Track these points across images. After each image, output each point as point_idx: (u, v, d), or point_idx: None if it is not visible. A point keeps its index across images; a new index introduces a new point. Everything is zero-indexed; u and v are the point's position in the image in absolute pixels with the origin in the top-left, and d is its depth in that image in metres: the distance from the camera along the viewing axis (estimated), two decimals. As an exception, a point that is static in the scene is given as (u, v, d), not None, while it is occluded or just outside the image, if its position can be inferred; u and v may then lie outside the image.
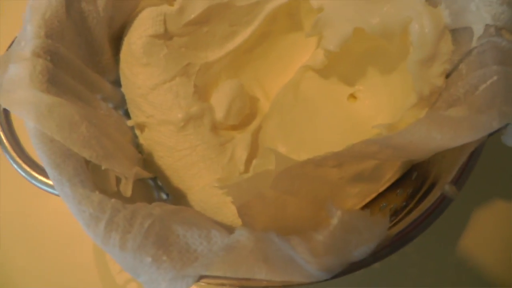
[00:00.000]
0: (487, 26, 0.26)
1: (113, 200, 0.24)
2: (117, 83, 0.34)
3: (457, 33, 0.28)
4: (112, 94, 0.33)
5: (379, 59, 0.34)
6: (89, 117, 0.27)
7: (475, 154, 0.26)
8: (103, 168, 0.26)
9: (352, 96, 0.36)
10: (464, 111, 0.24)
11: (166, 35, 0.32)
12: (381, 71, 0.34)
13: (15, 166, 0.30)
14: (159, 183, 0.34)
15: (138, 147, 0.34)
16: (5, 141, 0.29)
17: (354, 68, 0.35)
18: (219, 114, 0.32)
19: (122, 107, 0.34)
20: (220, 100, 0.33)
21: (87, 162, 0.26)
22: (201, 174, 0.32)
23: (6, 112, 0.30)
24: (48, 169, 0.25)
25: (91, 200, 0.23)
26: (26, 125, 0.26)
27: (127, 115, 0.34)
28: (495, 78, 0.24)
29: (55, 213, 0.42)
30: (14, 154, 0.29)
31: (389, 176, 0.31)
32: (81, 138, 0.26)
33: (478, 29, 0.26)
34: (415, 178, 0.30)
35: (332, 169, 0.28)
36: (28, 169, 0.29)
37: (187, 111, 0.31)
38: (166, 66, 0.32)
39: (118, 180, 0.28)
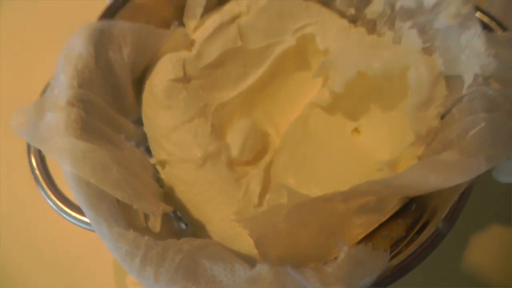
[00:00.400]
0: (476, 75, 0.29)
1: (146, 237, 0.27)
2: (138, 122, 0.37)
3: (451, 79, 0.31)
4: (134, 133, 0.36)
5: (380, 98, 0.37)
6: (118, 160, 0.30)
7: (466, 193, 0.28)
8: (134, 207, 0.29)
9: (356, 130, 0.39)
10: (456, 155, 0.27)
11: (185, 79, 0.35)
12: (382, 108, 0.37)
13: (50, 203, 0.33)
14: (178, 213, 0.37)
15: (159, 181, 0.37)
16: (41, 180, 0.32)
17: (358, 104, 0.38)
18: (234, 151, 0.35)
19: (143, 143, 0.37)
20: (235, 139, 0.36)
21: (118, 201, 0.29)
22: (219, 207, 0.34)
23: (41, 154, 0.33)
24: (85, 210, 0.28)
25: (126, 238, 0.26)
26: (63, 169, 0.29)
27: (148, 151, 0.37)
28: (483, 124, 0.27)
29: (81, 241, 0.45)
30: (49, 193, 0.32)
31: (390, 207, 0.33)
32: (113, 180, 0.29)
33: (468, 78, 0.29)
34: (414, 209, 0.33)
35: (339, 203, 0.31)
36: (62, 205, 0.32)
37: (205, 150, 0.34)
38: (186, 108, 0.35)
39: (146, 216, 0.31)
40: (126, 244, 0.26)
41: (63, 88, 0.31)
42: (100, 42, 0.31)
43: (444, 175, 0.26)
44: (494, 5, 0.48)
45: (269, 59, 0.38)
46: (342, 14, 0.38)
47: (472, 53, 0.29)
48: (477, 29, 0.29)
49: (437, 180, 0.26)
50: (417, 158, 0.33)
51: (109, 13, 0.35)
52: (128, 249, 0.26)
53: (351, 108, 0.39)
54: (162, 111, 0.35)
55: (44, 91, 0.35)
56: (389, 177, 0.28)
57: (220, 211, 0.35)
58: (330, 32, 0.37)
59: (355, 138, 0.39)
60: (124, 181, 0.30)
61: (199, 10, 0.36)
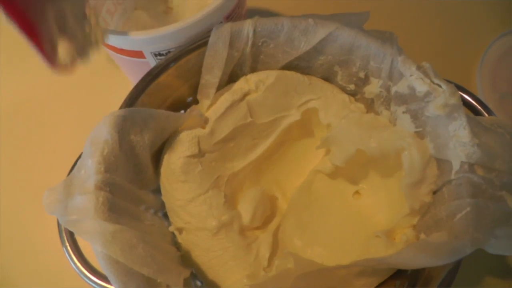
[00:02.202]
0: (462, 162, 0.32)
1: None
2: (157, 191, 0.40)
3: (441, 162, 0.34)
4: (153, 203, 0.39)
5: (379, 166, 0.40)
6: (142, 237, 0.34)
7: (453, 271, 0.32)
8: (158, 281, 0.33)
9: (357, 193, 0.43)
10: (444, 236, 0.31)
11: (199, 154, 0.39)
12: (381, 175, 0.41)
13: (83, 277, 0.36)
14: (194, 271, 0.41)
15: (176, 244, 0.40)
16: (73, 256, 0.36)
17: (358, 170, 0.42)
18: (246, 219, 0.39)
19: (161, 210, 0.41)
20: (246, 208, 0.39)
21: (144, 275, 0.33)
22: (232, 270, 0.38)
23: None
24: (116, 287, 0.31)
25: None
26: (93, 249, 0.33)
27: (166, 216, 0.41)
28: (468, 209, 0.31)
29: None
30: (81, 268, 0.36)
31: (388, 270, 0.37)
32: (139, 258, 0.32)
33: (455, 164, 0.33)
34: (410, 273, 0.36)
35: (341, 269, 0.35)
36: (92, 277, 0.36)
37: (219, 220, 0.38)
38: (201, 181, 0.38)
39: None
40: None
41: (91, 172, 0.34)
42: (123, 128, 0.35)
43: (433, 256, 0.30)
44: (485, 67, 0.51)
45: (276, 131, 0.42)
46: (343, 89, 0.42)
47: (458, 142, 0.32)
48: (462, 120, 0.32)
49: (426, 260, 0.30)
50: (412, 227, 0.37)
51: (137, 91, 0.39)
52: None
53: (352, 174, 0.42)
54: (179, 185, 0.38)
55: (71, 169, 0.38)
56: (384, 256, 0.31)
57: (234, 273, 0.38)
58: (332, 107, 0.41)
59: (356, 201, 0.42)
60: (150, 257, 0.33)
61: (212, 91, 0.39)
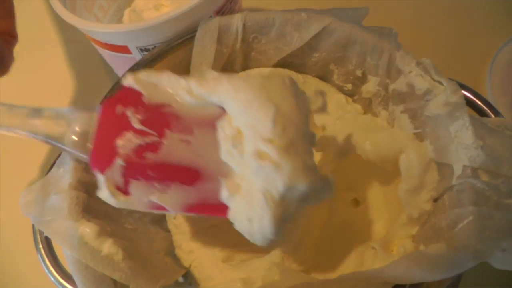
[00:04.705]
0: (464, 167, 0.29)
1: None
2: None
3: (442, 166, 0.31)
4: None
5: (378, 173, 0.38)
6: (118, 242, 0.32)
7: (452, 286, 0.29)
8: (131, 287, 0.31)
9: (355, 200, 0.40)
10: (443, 248, 0.28)
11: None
12: (380, 182, 0.38)
13: (56, 283, 0.34)
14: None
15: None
16: (47, 260, 0.34)
17: (357, 176, 0.39)
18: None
19: (149, 215, 0.39)
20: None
21: (116, 282, 0.31)
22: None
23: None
24: (82, 293, 0.29)
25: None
26: (64, 252, 0.31)
27: (154, 222, 0.39)
28: (470, 218, 0.28)
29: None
30: (54, 273, 0.34)
31: (384, 285, 0.34)
32: (111, 263, 0.30)
33: (457, 169, 0.30)
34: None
35: (332, 284, 0.32)
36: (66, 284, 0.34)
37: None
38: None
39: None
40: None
41: (68, 170, 0.33)
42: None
43: (430, 269, 0.27)
44: (495, 70, 0.48)
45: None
46: (340, 88, 0.39)
47: (461, 144, 0.30)
48: (465, 120, 0.29)
49: (423, 274, 0.27)
50: (411, 237, 0.34)
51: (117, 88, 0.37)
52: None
53: (350, 180, 0.39)
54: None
55: (50, 168, 0.36)
56: (375, 269, 0.28)
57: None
58: (328, 107, 0.38)
59: (354, 209, 0.40)
60: (123, 262, 0.31)
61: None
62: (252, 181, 0.27)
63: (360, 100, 0.39)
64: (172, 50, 0.38)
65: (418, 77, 0.32)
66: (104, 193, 0.28)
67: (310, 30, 0.36)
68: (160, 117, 0.29)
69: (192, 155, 0.29)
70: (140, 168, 0.29)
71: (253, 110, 0.27)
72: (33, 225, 0.35)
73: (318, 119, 0.38)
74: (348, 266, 0.36)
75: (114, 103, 0.30)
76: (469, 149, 0.29)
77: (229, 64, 0.39)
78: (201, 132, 0.30)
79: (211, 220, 0.39)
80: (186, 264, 0.38)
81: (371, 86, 0.36)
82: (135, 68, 0.36)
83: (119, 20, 0.51)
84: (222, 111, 0.29)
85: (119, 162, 0.28)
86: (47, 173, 0.35)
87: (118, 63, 0.45)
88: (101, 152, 0.29)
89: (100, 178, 0.29)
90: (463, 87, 0.35)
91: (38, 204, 0.32)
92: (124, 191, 0.29)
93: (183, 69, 0.39)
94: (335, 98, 0.38)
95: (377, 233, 0.37)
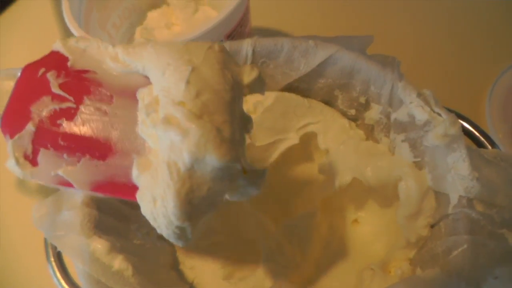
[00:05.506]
0: (460, 196, 0.31)
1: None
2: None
3: (439, 194, 0.33)
4: (147, 223, 0.38)
5: (378, 195, 0.39)
6: (128, 257, 0.33)
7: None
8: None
9: (356, 221, 0.41)
10: (438, 273, 0.29)
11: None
12: (379, 204, 0.39)
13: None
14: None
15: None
16: (57, 273, 0.35)
17: (358, 199, 0.40)
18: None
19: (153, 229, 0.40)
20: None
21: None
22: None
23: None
24: (93, 309, 0.30)
25: None
26: (75, 267, 0.32)
27: (161, 237, 0.40)
28: (465, 246, 0.29)
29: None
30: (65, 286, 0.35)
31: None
32: (122, 279, 0.32)
33: (453, 198, 0.31)
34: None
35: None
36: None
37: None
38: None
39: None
40: None
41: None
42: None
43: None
44: (494, 98, 0.50)
45: (274, 154, 0.41)
46: (344, 113, 0.41)
47: (457, 174, 0.31)
48: (462, 152, 0.31)
49: (417, 301, 0.28)
50: (409, 260, 0.35)
51: None
52: None
53: (351, 201, 0.41)
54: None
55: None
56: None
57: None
58: (331, 132, 0.39)
59: (354, 229, 0.41)
60: (133, 277, 0.32)
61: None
62: (160, 153, 0.24)
63: (363, 125, 0.40)
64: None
65: (418, 108, 0.33)
66: (10, 162, 0.27)
67: (316, 57, 0.38)
68: (81, 83, 0.28)
69: (107, 127, 0.27)
70: (51, 136, 0.27)
71: (169, 72, 0.25)
72: (45, 239, 0.37)
73: (322, 143, 0.39)
74: (348, 285, 0.37)
75: (37, 66, 0.28)
76: (465, 180, 0.31)
77: (237, 86, 0.41)
78: (122, 103, 0.27)
79: (212, 237, 0.41)
80: (189, 280, 0.39)
81: (373, 113, 0.38)
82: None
83: (131, 38, 0.52)
84: (147, 81, 0.27)
85: (30, 127, 0.27)
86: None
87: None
88: (13, 115, 0.27)
89: (8, 143, 0.27)
90: (462, 117, 0.36)
91: (50, 219, 0.34)
92: (32, 161, 0.27)
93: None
94: (339, 123, 0.40)
95: (376, 254, 0.39)
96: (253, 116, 0.39)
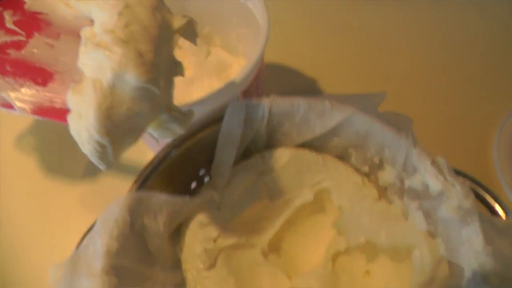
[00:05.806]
0: (474, 271, 0.32)
1: None
2: (171, 267, 0.40)
3: (453, 264, 0.34)
4: (164, 279, 0.39)
5: (389, 251, 0.40)
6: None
7: None
8: None
9: (367, 273, 0.42)
10: None
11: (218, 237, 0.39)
12: (392, 259, 0.40)
13: None
14: None
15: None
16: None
17: (370, 251, 0.41)
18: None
19: (174, 285, 0.40)
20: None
21: None
22: None
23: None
24: None
25: None
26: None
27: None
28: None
29: None
30: None
31: None
32: None
33: (467, 271, 0.32)
34: None
35: None
36: None
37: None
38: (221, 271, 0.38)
39: None
40: None
41: (99, 254, 0.34)
42: (137, 211, 0.35)
43: None
44: (501, 144, 0.51)
45: (288, 210, 0.42)
46: (357, 169, 0.42)
47: (471, 248, 0.32)
48: (476, 226, 0.32)
49: None
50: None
51: (151, 169, 0.39)
52: None
53: (364, 253, 0.42)
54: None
55: (78, 244, 0.38)
56: None
57: None
58: (345, 189, 0.40)
59: (366, 281, 0.42)
60: None
61: (227, 171, 0.39)
62: (90, 75, 0.27)
63: (375, 182, 0.41)
64: (202, 130, 0.40)
65: (432, 178, 0.34)
66: None
67: (332, 119, 0.38)
68: (34, 22, 0.33)
69: (51, 59, 0.32)
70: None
71: (106, 8, 0.28)
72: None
73: (335, 200, 0.40)
74: None
75: None
76: (478, 255, 0.32)
77: (253, 143, 0.41)
78: (67, 39, 0.33)
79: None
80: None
81: (388, 176, 0.39)
82: (167, 150, 0.39)
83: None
84: (93, 23, 0.30)
85: None
86: (76, 247, 0.37)
87: (151, 143, 0.47)
88: None
89: None
90: (475, 182, 0.37)
91: (68, 284, 0.34)
92: None
93: (210, 148, 0.41)
94: (352, 180, 0.41)
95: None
96: (269, 175, 0.41)
